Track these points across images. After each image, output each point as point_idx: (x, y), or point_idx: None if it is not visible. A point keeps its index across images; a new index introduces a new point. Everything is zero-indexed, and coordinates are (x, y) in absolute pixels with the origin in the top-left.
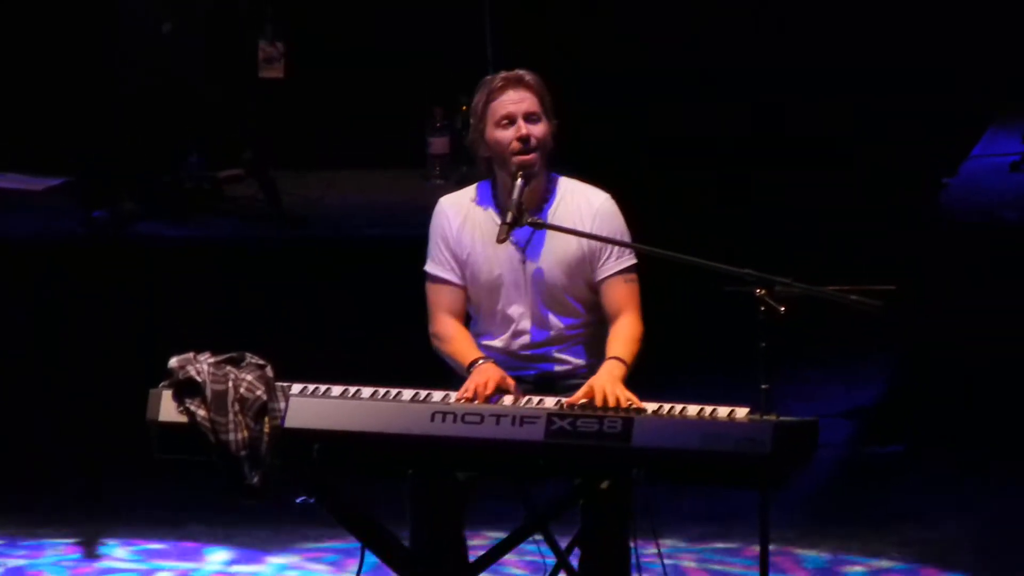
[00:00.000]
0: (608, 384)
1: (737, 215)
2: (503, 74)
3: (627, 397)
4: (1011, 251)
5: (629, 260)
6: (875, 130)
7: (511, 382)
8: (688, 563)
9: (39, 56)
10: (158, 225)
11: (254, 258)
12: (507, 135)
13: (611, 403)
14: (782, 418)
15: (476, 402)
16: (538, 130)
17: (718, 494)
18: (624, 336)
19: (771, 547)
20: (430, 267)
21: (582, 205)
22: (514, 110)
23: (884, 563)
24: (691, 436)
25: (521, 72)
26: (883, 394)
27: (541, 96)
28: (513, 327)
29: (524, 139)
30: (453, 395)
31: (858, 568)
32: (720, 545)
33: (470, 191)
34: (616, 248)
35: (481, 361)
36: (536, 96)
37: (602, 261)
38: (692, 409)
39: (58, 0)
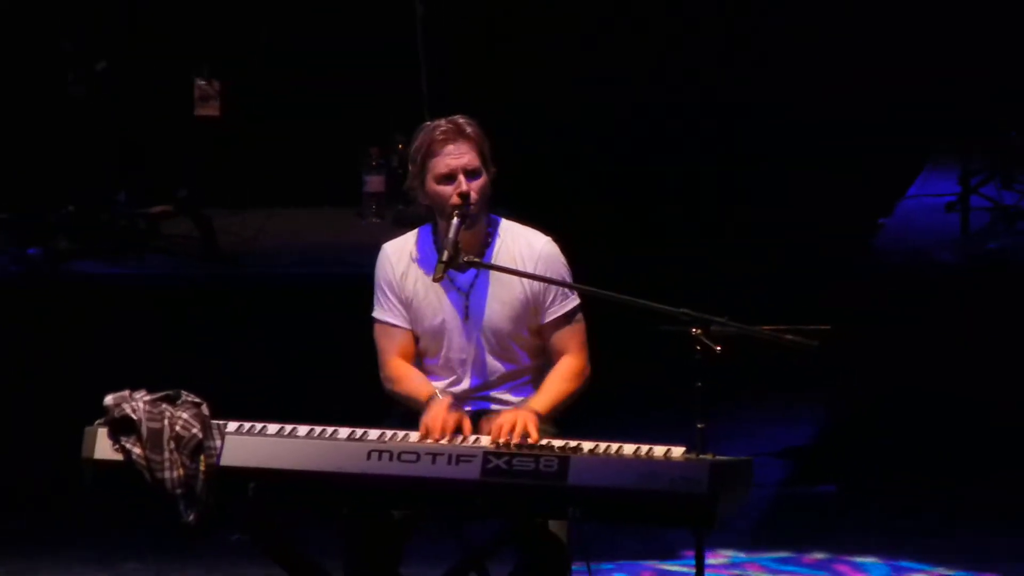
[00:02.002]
0: (512, 415)
1: (674, 255)
2: (442, 125)
3: (523, 430)
4: (945, 291)
5: (573, 302)
6: (811, 170)
7: (467, 421)
8: None
9: None
10: (92, 263)
11: (189, 296)
12: (447, 191)
13: (506, 429)
14: (718, 457)
15: (438, 439)
16: (477, 185)
17: (653, 531)
18: (555, 377)
19: None
20: (377, 313)
21: (523, 248)
22: (455, 165)
23: None
24: (627, 475)
25: (461, 122)
26: (817, 434)
27: (480, 146)
28: (456, 372)
29: (464, 195)
30: (389, 433)
31: None
32: None
33: (412, 236)
34: (559, 291)
35: (438, 395)
36: (476, 148)
37: (547, 304)
38: (628, 448)
39: None
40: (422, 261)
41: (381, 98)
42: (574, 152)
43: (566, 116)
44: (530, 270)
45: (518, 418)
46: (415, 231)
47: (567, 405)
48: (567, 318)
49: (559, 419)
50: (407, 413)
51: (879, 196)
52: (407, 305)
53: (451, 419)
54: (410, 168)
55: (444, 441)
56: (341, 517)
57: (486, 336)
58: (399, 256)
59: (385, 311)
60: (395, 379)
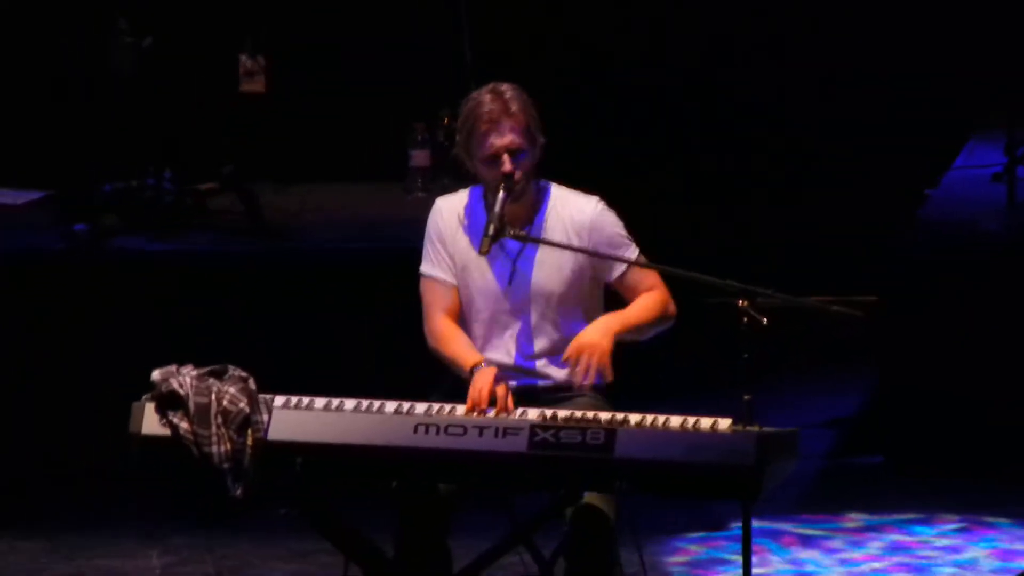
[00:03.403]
0: (586, 341)
1: (719, 227)
2: (487, 103)
3: (600, 363)
4: (991, 262)
5: (635, 251)
6: (856, 141)
7: (510, 397)
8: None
9: (17, 69)
10: (138, 239)
11: (235, 271)
12: (492, 171)
13: (581, 368)
14: (764, 429)
15: (486, 411)
16: (523, 164)
17: (699, 505)
18: (639, 302)
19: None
20: (425, 267)
21: (574, 215)
22: (498, 146)
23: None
24: (674, 447)
25: (507, 96)
26: (863, 405)
27: (527, 121)
28: (502, 338)
29: (508, 176)
30: (436, 407)
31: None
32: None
33: (464, 196)
34: (620, 245)
35: (484, 364)
36: (520, 125)
37: (608, 262)
38: (675, 420)
39: (37, 14)
40: (471, 227)
41: (426, 73)
42: (619, 119)
43: (610, 83)
44: (581, 236)
45: (594, 356)
46: (467, 190)
47: (646, 331)
48: (633, 266)
49: (609, 393)
50: (454, 385)
51: (924, 167)
52: (457, 264)
53: (499, 390)
54: (457, 137)
55: (491, 414)
56: (389, 491)
57: (534, 301)
58: (451, 214)
59: (434, 266)
60: (440, 337)
